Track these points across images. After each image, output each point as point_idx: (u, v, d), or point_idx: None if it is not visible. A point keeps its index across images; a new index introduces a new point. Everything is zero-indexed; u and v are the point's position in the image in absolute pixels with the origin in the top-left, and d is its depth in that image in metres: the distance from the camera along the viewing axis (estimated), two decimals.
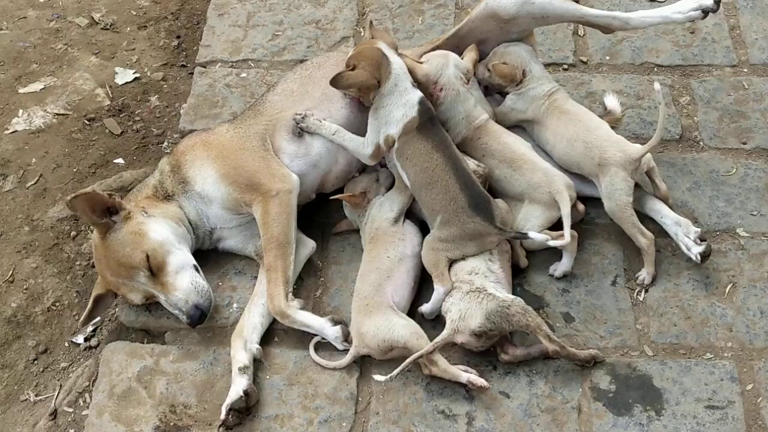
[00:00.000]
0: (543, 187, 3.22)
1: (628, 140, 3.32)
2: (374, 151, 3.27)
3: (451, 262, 3.12)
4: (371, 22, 3.47)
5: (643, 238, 3.23)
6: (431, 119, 3.21)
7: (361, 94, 3.27)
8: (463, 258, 3.11)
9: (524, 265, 3.26)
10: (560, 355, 2.99)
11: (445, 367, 2.97)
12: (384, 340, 3.01)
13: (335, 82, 3.20)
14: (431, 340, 2.97)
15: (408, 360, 2.94)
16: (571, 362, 3.03)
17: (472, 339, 2.99)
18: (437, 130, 3.21)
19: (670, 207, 3.35)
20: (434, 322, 3.14)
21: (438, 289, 3.09)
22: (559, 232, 3.18)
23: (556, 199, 3.19)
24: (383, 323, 3.02)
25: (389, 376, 2.95)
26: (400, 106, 3.20)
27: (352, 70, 3.23)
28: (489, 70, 3.46)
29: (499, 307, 2.95)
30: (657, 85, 3.23)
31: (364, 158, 3.32)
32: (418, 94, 3.24)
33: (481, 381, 2.95)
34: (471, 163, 3.24)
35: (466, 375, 2.97)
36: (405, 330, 3.00)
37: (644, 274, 3.26)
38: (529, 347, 3.04)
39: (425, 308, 3.13)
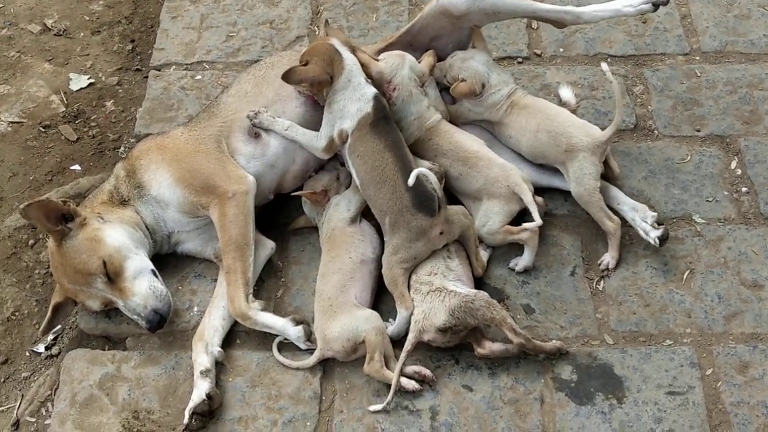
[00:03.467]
0: (501, 181, 3.23)
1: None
2: (327, 144, 3.26)
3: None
4: (327, 21, 3.46)
5: (610, 223, 3.25)
6: (386, 117, 3.21)
7: (314, 90, 3.27)
8: (419, 264, 3.10)
9: (478, 275, 3.22)
10: (526, 348, 3.00)
11: (381, 370, 2.99)
12: (348, 340, 3.00)
13: (287, 76, 3.19)
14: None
15: (394, 380, 2.94)
16: (536, 354, 3.05)
17: (438, 336, 3.00)
18: (391, 129, 3.20)
19: (620, 188, 3.38)
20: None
21: (401, 312, 3.07)
22: (522, 226, 3.21)
23: (515, 191, 3.20)
24: (348, 321, 3.02)
25: (386, 402, 2.95)
26: (354, 101, 3.20)
27: (305, 65, 3.23)
28: (448, 82, 3.45)
29: (462, 302, 2.96)
30: (605, 66, 3.26)
31: (317, 152, 3.31)
32: (372, 90, 3.23)
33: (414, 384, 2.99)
34: (425, 164, 3.24)
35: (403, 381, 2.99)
36: (367, 324, 3.00)
37: (608, 258, 3.28)
38: (507, 343, 3.01)
39: (390, 331, 3.09)
